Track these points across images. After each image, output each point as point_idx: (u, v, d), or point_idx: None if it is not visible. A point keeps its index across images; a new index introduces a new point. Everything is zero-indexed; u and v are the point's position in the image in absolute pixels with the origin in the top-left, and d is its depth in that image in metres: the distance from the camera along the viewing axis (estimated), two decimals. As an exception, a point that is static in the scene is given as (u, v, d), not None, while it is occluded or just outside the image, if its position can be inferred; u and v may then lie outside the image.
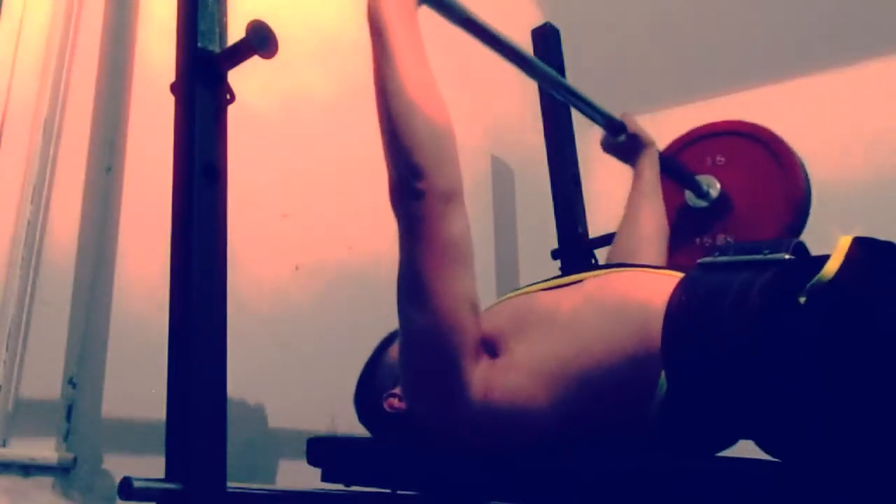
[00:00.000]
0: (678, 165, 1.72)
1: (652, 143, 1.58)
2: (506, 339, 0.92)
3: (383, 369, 1.09)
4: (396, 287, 0.91)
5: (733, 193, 1.70)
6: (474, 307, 0.89)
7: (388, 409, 1.04)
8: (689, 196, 1.74)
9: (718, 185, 1.71)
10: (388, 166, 0.90)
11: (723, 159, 1.76)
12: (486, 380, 0.88)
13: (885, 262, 0.79)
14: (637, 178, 1.54)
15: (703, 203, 1.71)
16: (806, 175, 1.68)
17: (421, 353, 0.91)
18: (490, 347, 0.92)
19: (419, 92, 0.90)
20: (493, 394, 0.88)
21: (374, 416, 1.09)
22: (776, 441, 0.82)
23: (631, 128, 1.56)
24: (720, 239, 1.68)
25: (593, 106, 1.51)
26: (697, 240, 1.71)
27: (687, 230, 1.72)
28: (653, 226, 1.45)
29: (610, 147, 1.61)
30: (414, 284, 0.88)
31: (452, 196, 0.87)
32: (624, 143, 1.57)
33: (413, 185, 0.86)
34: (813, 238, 0.96)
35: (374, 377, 1.10)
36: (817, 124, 2.37)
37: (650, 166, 1.54)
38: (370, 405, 1.10)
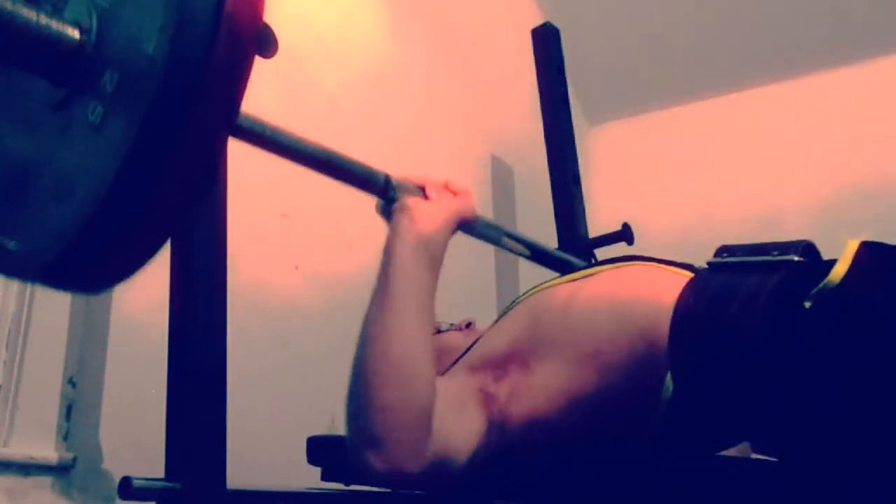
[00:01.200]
0: None
1: None
2: (523, 355, 0.91)
3: None
4: None
5: None
6: (477, 437, 0.84)
7: None
8: None
9: None
10: (346, 424, 0.81)
11: None
12: (506, 412, 0.88)
13: (893, 266, 0.79)
14: None
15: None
16: None
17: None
18: (505, 365, 0.92)
19: (411, 361, 0.79)
20: (513, 421, 0.87)
21: None
22: (781, 443, 0.82)
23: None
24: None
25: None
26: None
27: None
28: None
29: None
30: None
31: (409, 471, 0.77)
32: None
33: (362, 456, 0.77)
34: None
35: None
36: (818, 124, 2.37)
37: None
38: None
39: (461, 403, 0.85)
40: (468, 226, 0.97)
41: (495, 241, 1.09)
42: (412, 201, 0.90)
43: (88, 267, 0.55)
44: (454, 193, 0.94)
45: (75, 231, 0.51)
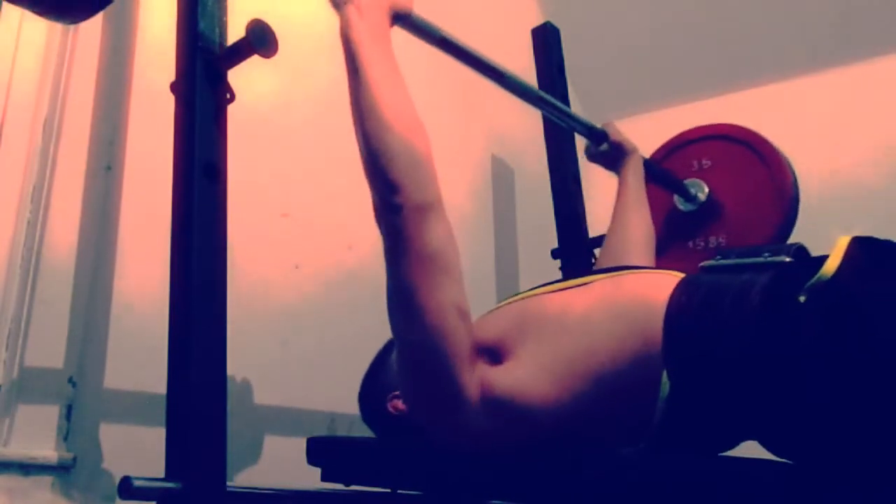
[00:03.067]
0: (664, 171, 1.74)
1: (635, 150, 1.59)
2: (510, 345, 0.92)
3: (387, 371, 1.09)
4: (386, 302, 0.91)
5: (721, 195, 1.73)
6: (463, 314, 0.89)
7: (392, 411, 1.04)
8: (677, 200, 1.77)
9: (706, 189, 1.74)
10: (369, 185, 0.91)
11: (709, 162, 1.78)
12: (486, 382, 0.88)
13: (885, 260, 0.79)
14: (622, 185, 1.55)
15: (692, 206, 1.74)
16: (793, 173, 1.69)
17: (415, 364, 0.91)
18: (493, 353, 0.92)
19: (392, 110, 0.90)
20: (493, 394, 0.87)
21: (378, 417, 1.10)
22: (777, 439, 0.82)
23: (613, 136, 1.57)
24: (711, 241, 1.71)
25: (572, 116, 1.51)
26: (690, 243, 1.74)
27: (678, 233, 1.75)
28: (640, 231, 1.46)
29: (593, 156, 1.62)
30: (400, 297, 0.89)
31: (429, 208, 0.88)
32: (607, 153, 1.57)
33: (390, 200, 0.87)
34: (809, 239, 0.97)
35: (378, 378, 1.11)
36: (818, 124, 2.37)
37: (634, 173, 1.55)
38: (374, 406, 1.10)
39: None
40: (406, 20, 1.08)
41: (433, 41, 1.17)
42: None
43: None
44: None
45: None
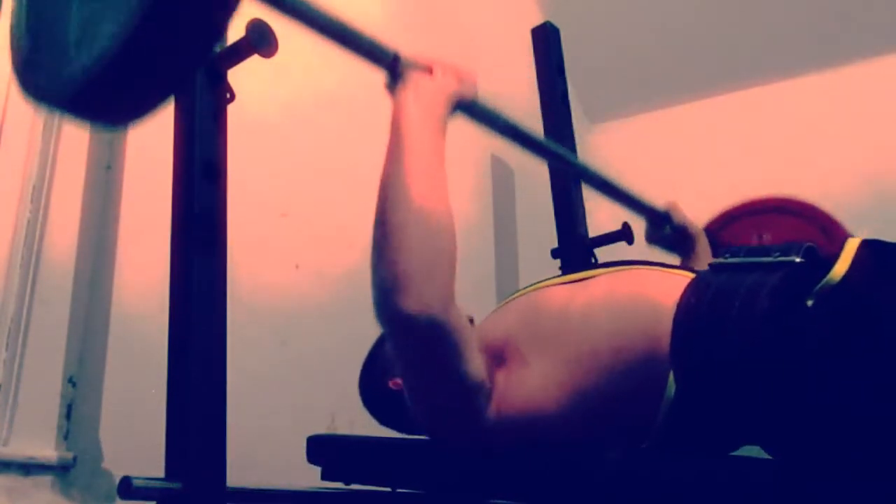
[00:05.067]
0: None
1: (700, 234, 1.48)
2: (518, 347, 0.91)
3: (387, 353, 1.09)
4: (399, 372, 0.90)
5: None
6: (482, 374, 0.87)
7: (393, 388, 1.04)
8: None
9: None
10: (371, 278, 0.84)
11: (769, 236, 1.71)
12: (500, 397, 0.88)
13: (893, 262, 0.79)
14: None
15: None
16: None
17: (441, 416, 0.91)
18: (500, 354, 0.92)
19: (423, 206, 0.83)
20: (507, 409, 0.88)
21: (380, 398, 1.10)
22: (782, 442, 0.81)
23: (677, 219, 1.47)
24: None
25: (634, 199, 1.45)
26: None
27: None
28: None
29: (654, 240, 1.52)
30: (421, 385, 0.88)
31: (433, 320, 0.80)
32: (669, 236, 1.48)
33: (391, 301, 0.80)
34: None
35: (377, 361, 1.11)
36: (819, 123, 2.37)
37: (703, 261, 1.42)
38: (375, 387, 1.10)
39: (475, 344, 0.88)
40: (468, 106, 1.02)
41: (493, 126, 1.13)
42: (418, 76, 0.94)
43: (109, 100, 0.62)
44: (459, 75, 1.00)
45: (98, 69, 0.58)
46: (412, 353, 0.86)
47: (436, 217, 0.83)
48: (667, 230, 1.48)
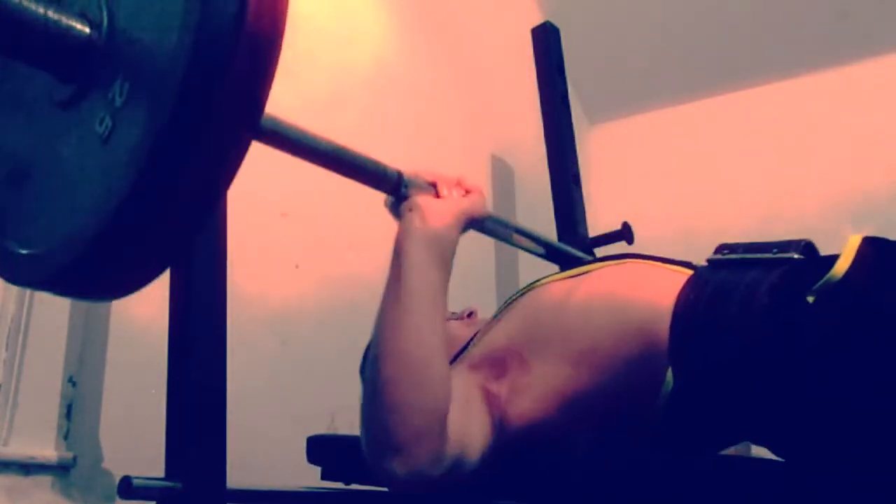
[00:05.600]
0: None
1: None
2: (519, 352, 0.90)
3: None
4: None
5: None
6: (488, 439, 0.83)
7: None
8: None
9: None
10: (362, 429, 0.79)
11: None
12: (504, 412, 0.87)
13: (895, 260, 0.79)
14: None
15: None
16: None
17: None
18: (504, 364, 0.91)
19: (416, 357, 0.77)
20: (511, 420, 0.87)
21: None
22: (780, 440, 0.82)
23: None
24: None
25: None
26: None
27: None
28: None
29: None
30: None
31: (427, 473, 0.76)
32: None
33: (382, 461, 0.76)
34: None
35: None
36: (818, 123, 2.37)
37: None
38: None
39: (467, 403, 0.84)
40: (479, 224, 0.96)
41: (506, 239, 1.08)
42: (423, 199, 0.88)
43: (97, 277, 0.53)
44: (466, 191, 0.93)
45: (86, 240, 0.49)
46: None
47: (429, 372, 0.77)
48: None
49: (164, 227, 0.50)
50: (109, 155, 0.49)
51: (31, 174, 0.57)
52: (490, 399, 0.87)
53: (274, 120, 0.79)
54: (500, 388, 0.88)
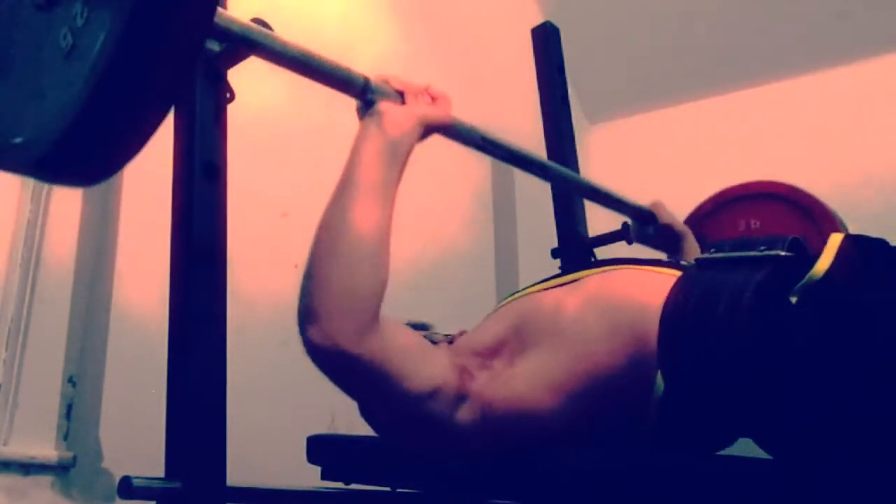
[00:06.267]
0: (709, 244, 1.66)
1: (686, 233, 1.48)
2: (507, 348, 0.92)
3: None
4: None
5: None
6: (432, 379, 0.84)
7: None
8: None
9: None
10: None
11: (758, 223, 1.68)
12: (482, 397, 0.87)
13: (877, 258, 0.79)
14: None
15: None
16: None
17: (403, 426, 0.90)
18: (489, 357, 0.92)
19: (358, 243, 0.82)
20: (491, 408, 0.87)
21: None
22: (771, 438, 0.82)
23: (662, 218, 1.47)
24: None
25: (619, 200, 1.44)
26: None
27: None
28: None
29: (640, 237, 1.51)
30: (369, 404, 0.88)
31: (344, 349, 0.79)
32: (655, 235, 1.48)
33: (305, 331, 0.80)
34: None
35: None
36: (818, 123, 2.37)
37: (691, 257, 1.45)
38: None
39: (432, 351, 0.87)
40: (444, 130, 1.01)
41: (473, 144, 1.13)
42: (385, 105, 0.92)
43: (76, 161, 0.60)
44: (432, 98, 0.98)
45: (57, 134, 0.56)
46: (337, 382, 0.84)
47: (366, 254, 0.82)
48: (650, 231, 1.47)
49: (123, 127, 0.60)
50: (71, 68, 0.55)
51: (13, 69, 0.62)
52: (463, 372, 0.87)
53: (242, 25, 0.84)
54: (480, 374, 0.89)
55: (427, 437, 0.88)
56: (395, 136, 0.90)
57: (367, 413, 1.03)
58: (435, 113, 0.97)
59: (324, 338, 0.79)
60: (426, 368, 0.85)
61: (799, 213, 1.64)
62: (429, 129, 0.97)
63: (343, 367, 0.81)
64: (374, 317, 0.81)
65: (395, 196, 0.88)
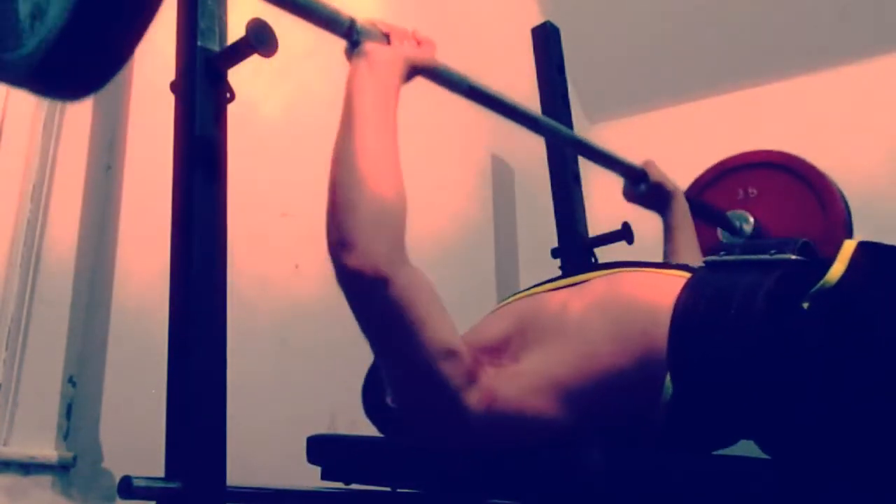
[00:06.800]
0: (707, 207, 1.63)
1: (676, 190, 1.49)
2: (512, 346, 0.91)
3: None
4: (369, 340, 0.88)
5: (769, 227, 1.63)
6: (451, 341, 0.84)
7: (390, 404, 1.04)
8: (721, 233, 1.67)
9: (752, 220, 1.65)
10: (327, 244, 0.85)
11: (755, 191, 1.68)
12: (490, 390, 0.86)
13: (890, 266, 0.79)
14: (668, 230, 1.46)
15: (737, 241, 1.64)
16: (845, 201, 1.59)
17: (412, 391, 0.88)
18: (494, 354, 0.91)
19: (370, 166, 0.85)
20: (497, 403, 0.86)
21: (378, 409, 1.10)
22: (778, 443, 0.82)
23: (653, 176, 1.48)
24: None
25: (610, 156, 1.47)
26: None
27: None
28: None
29: (631, 196, 1.53)
30: (385, 351, 0.86)
31: (387, 274, 0.80)
32: (646, 193, 1.49)
33: (340, 260, 0.81)
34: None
35: (377, 373, 1.11)
36: (818, 123, 2.37)
37: (681, 218, 1.45)
38: (374, 398, 1.10)
39: (452, 322, 0.86)
40: (429, 73, 1.04)
41: (461, 91, 1.14)
42: (371, 45, 0.96)
43: (67, 70, 0.70)
44: (418, 42, 1.02)
45: (52, 40, 0.65)
46: (367, 314, 0.84)
47: (383, 177, 0.85)
48: (643, 188, 1.49)
49: (104, 46, 0.70)
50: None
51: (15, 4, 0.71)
52: (475, 358, 0.86)
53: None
54: (488, 370, 0.88)
55: (432, 413, 0.86)
56: (382, 73, 0.93)
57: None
58: (420, 55, 1.00)
59: (362, 262, 0.80)
60: (447, 327, 0.84)
61: (801, 183, 1.64)
62: (414, 70, 0.99)
63: (377, 294, 0.80)
64: (403, 241, 0.83)
65: (395, 129, 0.91)
